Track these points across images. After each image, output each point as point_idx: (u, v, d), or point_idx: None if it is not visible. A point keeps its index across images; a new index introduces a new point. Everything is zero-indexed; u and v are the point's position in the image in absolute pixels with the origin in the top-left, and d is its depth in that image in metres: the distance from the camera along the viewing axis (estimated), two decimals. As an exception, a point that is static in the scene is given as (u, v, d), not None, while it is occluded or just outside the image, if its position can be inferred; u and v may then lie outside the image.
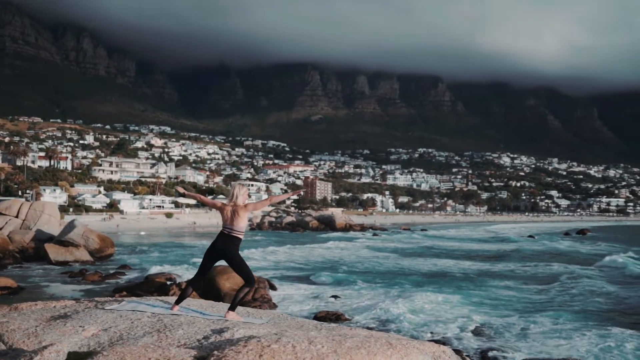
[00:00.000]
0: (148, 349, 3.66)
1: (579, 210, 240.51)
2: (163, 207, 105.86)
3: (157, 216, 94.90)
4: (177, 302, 5.64)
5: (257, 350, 3.59)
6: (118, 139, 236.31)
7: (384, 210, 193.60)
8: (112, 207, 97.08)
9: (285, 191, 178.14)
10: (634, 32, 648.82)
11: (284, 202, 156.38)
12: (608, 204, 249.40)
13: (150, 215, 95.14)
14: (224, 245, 5.58)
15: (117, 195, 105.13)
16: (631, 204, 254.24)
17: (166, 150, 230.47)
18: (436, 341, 10.33)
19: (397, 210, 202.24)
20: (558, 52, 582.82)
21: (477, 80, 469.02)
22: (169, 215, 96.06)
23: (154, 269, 27.76)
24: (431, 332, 14.60)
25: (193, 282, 5.82)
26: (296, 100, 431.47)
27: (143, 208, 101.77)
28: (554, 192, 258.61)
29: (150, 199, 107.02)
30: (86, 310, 5.16)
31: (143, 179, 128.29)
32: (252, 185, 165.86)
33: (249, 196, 6.06)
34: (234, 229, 5.61)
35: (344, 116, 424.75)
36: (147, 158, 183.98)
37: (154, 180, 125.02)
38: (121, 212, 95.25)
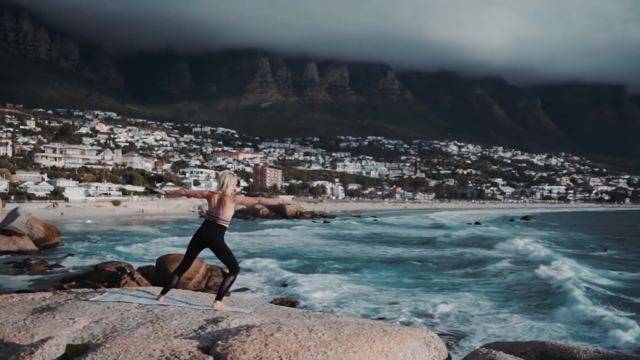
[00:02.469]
0: (150, 340, 3.64)
1: (522, 197, 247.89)
2: (110, 194, 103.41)
3: (104, 204, 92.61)
4: (163, 293, 5.56)
5: (261, 339, 3.63)
6: (61, 124, 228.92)
7: (334, 198, 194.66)
8: (57, 194, 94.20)
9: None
10: (574, 26, 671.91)
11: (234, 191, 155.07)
12: (550, 191, 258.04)
13: (96, 203, 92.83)
14: (209, 233, 5.51)
15: (61, 182, 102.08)
16: (571, 191, 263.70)
17: (112, 136, 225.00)
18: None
19: (347, 197, 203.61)
20: (503, 43, 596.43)
21: (426, 69, 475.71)
22: (116, 203, 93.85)
23: (103, 258, 27.26)
24: (381, 318, 14.88)
25: (179, 271, 5.70)
26: (246, 86, 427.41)
27: (89, 196, 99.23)
28: (499, 180, 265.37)
29: (97, 187, 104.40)
30: (70, 302, 5.04)
31: (89, 166, 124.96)
32: (201, 172, 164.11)
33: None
34: (219, 218, 5.55)
35: (293, 103, 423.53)
36: (93, 144, 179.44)
37: (100, 167, 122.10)
38: (66, 200, 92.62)
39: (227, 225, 5.60)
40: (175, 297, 5.73)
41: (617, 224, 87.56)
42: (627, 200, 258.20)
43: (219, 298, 5.46)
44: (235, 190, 5.72)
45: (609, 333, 13.32)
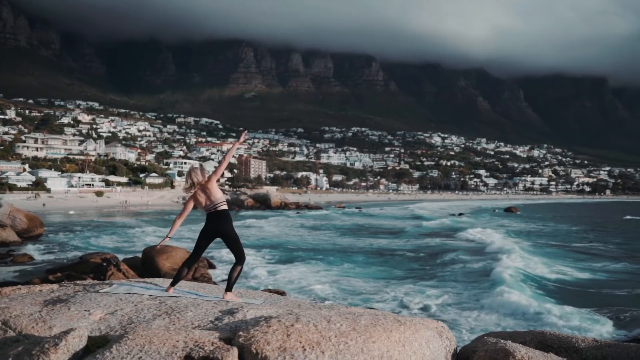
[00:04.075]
0: (170, 331, 3.64)
1: (505, 188, 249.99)
2: (93, 185, 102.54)
3: (87, 195, 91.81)
4: (173, 284, 5.55)
5: (282, 330, 3.65)
6: (42, 114, 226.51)
7: (318, 189, 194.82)
8: (39, 185, 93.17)
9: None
10: (556, 18, 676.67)
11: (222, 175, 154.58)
12: (532, 182, 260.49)
13: (79, 194, 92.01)
14: (218, 225, 5.48)
15: (43, 173, 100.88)
16: (553, 182, 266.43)
17: (94, 126, 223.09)
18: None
19: (331, 188, 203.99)
20: (486, 35, 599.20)
21: (410, 61, 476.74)
22: (99, 193, 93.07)
23: (87, 249, 27.06)
24: (370, 308, 15.04)
25: (188, 263, 5.69)
26: (230, 77, 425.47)
27: (72, 186, 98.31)
28: (482, 171, 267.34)
29: (79, 177, 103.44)
30: (80, 294, 5.01)
31: (71, 157, 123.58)
32: (184, 163, 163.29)
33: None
34: (215, 204, 5.52)
35: (278, 94, 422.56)
36: (75, 134, 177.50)
37: (82, 157, 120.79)
38: (48, 190, 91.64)
39: (226, 206, 5.59)
40: (184, 288, 5.72)
41: (599, 215, 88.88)
42: (608, 191, 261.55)
43: (229, 289, 5.47)
44: (206, 175, 5.67)
45: (539, 324, 13.58)
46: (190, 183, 5.60)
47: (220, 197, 5.58)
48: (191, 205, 5.61)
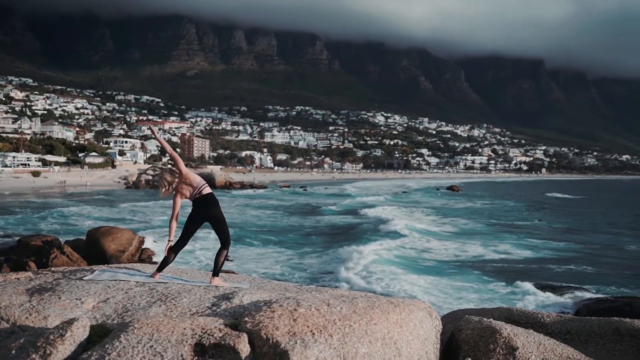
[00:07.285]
0: (175, 319, 3.62)
1: (447, 167, 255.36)
2: (29, 165, 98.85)
3: (23, 175, 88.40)
4: (159, 270, 5.43)
5: (287, 315, 3.68)
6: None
7: (263, 168, 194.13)
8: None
9: (161, 148, 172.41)
10: (493, 0, 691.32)
11: (159, 157, 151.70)
12: (473, 161, 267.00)
13: (14, 174, 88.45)
14: (207, 209, 5.45)
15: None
16: (492, 161, 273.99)
17: (28, 103, 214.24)
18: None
19: (276, 167, 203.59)
20: (427, 16, 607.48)
21: (353, 40, 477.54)
22: (36, 173, 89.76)
23: (26, 231, 26.19)
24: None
25: (176, 248, 5.56)
26: (171, 54, 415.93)
27: (6, 166, 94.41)
28: (424, 150, 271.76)
29: (14, 157, 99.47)
30: (63, 282, 4.83)
31: (4, 135, 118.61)
32: (125, 142, 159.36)
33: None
34: (198, 188, 5.48)
35: (220, 72, 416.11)
36: (7, 112, 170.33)
37: (17, 136, 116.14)
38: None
39: (209, 188, 5.54)
40: (167, 274, 5.62)
41: (528, 193, 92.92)
42: (544, 170, 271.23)
43: (215, 274, 5.36)
44: (174, 171, 5.58)
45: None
46: (166, 186, 5.53)
47: (199, 180, 5.52)
48: (179, 200, 5.54)
